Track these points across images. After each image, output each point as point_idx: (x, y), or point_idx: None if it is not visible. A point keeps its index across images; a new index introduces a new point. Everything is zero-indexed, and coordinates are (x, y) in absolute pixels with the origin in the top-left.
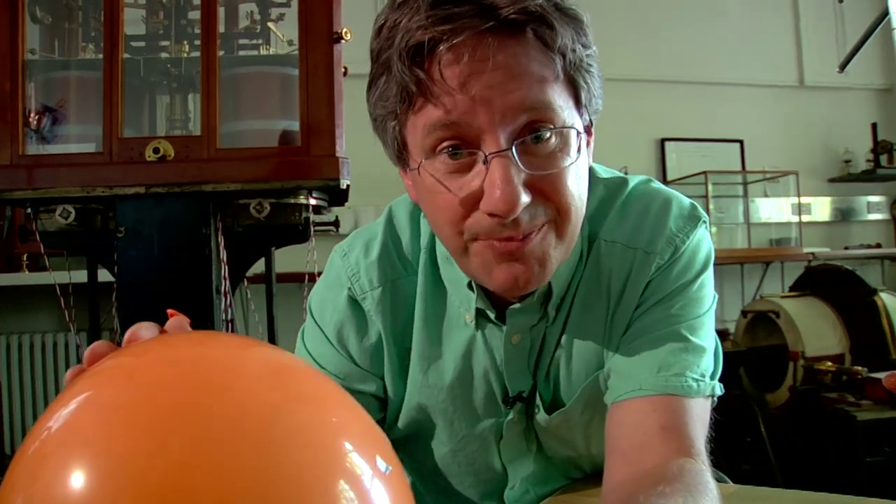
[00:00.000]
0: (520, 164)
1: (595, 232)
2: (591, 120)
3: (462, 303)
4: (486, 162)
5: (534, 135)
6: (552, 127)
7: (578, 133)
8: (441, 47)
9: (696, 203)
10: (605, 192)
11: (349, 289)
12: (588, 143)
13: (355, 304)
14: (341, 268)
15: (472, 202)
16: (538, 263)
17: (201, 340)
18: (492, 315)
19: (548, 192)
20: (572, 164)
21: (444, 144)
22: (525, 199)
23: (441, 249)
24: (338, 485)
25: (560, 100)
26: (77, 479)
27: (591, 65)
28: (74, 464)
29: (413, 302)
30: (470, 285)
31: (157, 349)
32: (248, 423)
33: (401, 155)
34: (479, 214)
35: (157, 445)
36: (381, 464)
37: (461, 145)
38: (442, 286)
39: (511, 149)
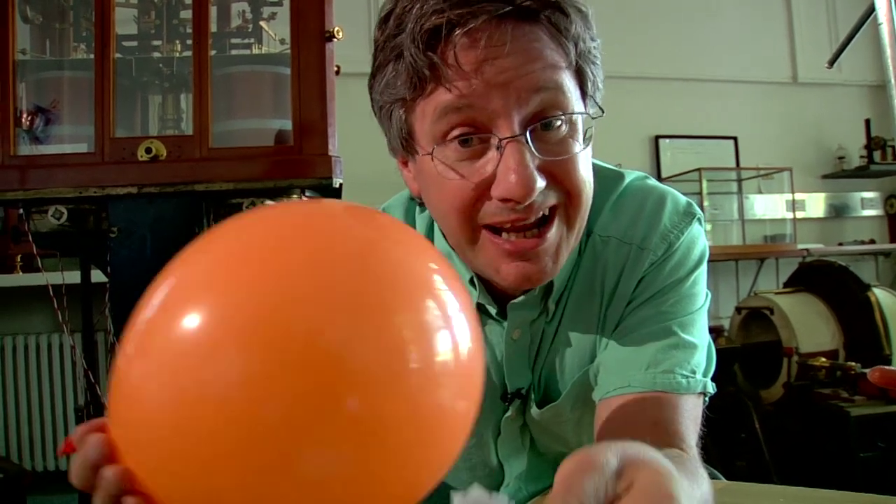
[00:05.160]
0: (534, 149)
1: (590, 226)
2: (591, 115)
3: None
4: (499, 148)
5: (545, 121)
6: (562, 114)
7: (587, 121)
8: (457, 31)
9: (692, 201)
10: (599, 186)
11: None
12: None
13: None
14: None
15: (483, 188)
16: (551, 259)
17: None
18: (493, 311)
19: (559, 176)
20: (582, 150)
21: (456, 132)
22: (541, 183)
23: (439, 245)
24: (426, 303)
25: (570, 87)
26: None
27: (596, 56)
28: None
29: None
30: (472, 281)
31: (259, 215)
32: (347, 248)
33: (406, 143)
34: (489, 201)
35: (264, 272)
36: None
37: (473, 131)
38: None
39: (525, 134)
